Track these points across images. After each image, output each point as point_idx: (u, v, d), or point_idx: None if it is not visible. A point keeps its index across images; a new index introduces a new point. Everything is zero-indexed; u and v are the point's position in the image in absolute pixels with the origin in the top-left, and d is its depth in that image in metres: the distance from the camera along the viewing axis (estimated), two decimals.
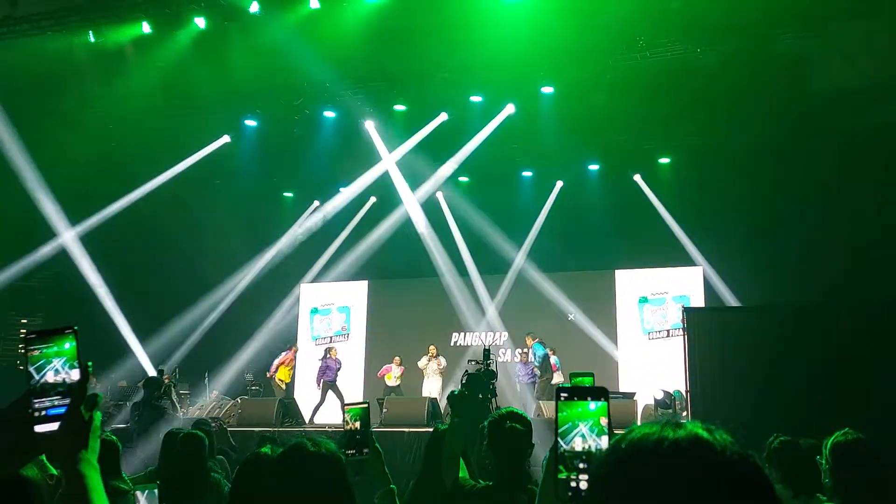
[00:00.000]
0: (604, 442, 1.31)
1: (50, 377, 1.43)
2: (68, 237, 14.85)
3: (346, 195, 17.21)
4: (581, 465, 1.30)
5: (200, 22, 12.35)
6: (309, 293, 18.31)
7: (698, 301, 15.13)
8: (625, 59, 12.43)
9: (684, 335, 11.06)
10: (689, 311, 11.65)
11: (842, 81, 12.15)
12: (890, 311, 10.41)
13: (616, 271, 16.26)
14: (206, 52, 12.68)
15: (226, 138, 15.64)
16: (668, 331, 15.50)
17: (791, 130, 13.52)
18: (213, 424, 8.56)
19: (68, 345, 1.44)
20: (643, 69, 12.47)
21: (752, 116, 13.34)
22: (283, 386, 15.14)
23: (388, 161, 15.92)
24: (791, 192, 13.74)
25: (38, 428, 1.40)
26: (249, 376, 15.64)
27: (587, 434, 1.32)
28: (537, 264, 16.27)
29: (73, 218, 14.79)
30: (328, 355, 14.69)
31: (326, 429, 11.38)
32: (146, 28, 12.49)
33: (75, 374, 1.43)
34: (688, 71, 12.35)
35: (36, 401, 1.42)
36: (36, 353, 1.44)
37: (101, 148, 14.11)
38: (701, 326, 11.00)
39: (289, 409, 13.05)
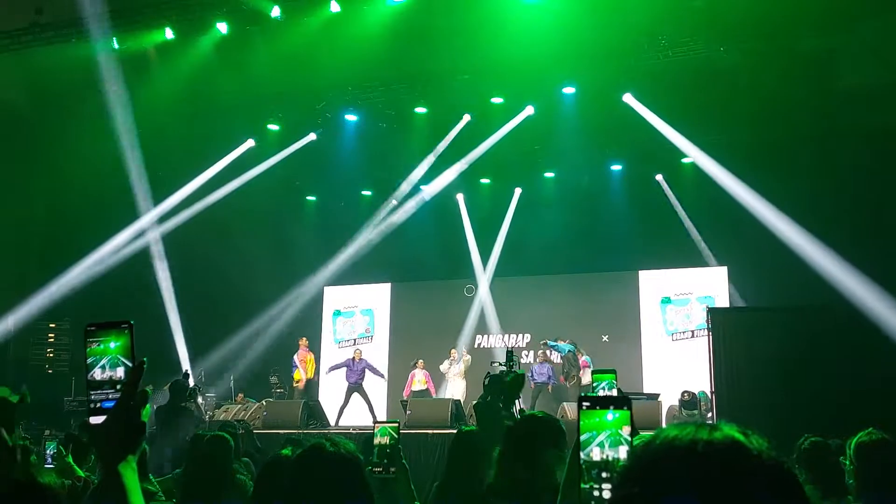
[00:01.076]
0: (621, 452, 1.31)
1: (99, 371, 1.46)
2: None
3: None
4: (603, 475, 1.30)
5: (223, 27, 12.44)
6: (332, 295, 18.37)
7: (723, 301, 15.01)
8: (647, 58, 12.36)
9: (709, 335, 10.99)
10: (713, 312, 11.57)
11: (868, 78, 11.98)
12: None
13: (640, 272, 16.19)
14: (229, 57, 12.77)
15: (250, 142, 15.76)
16: (692, 331, 15.40)
17: (816, 129, 13.37)
18: (239, 427, 8.61)
19: (122, 339, 1.47)
20: (666, 68, 12.40)
21: (776, 115, 13.19)
22: (301, 386, 15.01)
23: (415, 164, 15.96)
24: (817, 190, 13.56)
25: (93, 419, 1.44)
26: (274, 379, 15.69)
27: (606, 444, 1.32)
28: (561, 266, 16.22)
29: (98, 223, 14.95)
30: (353, 357, 14.83)
31: (350, 430, 11.40)
32: (169, 34, 12.61)
33: (121, 370, 1.46)
34: (711, 70, 12.25)
35: (92, 392, 1.46)
36: (94, 345, 1.47)
37: (125, 153, 14.23)
38: (726, 327, 10.92)
39: (314, 411, 13.10)
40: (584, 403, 1.35)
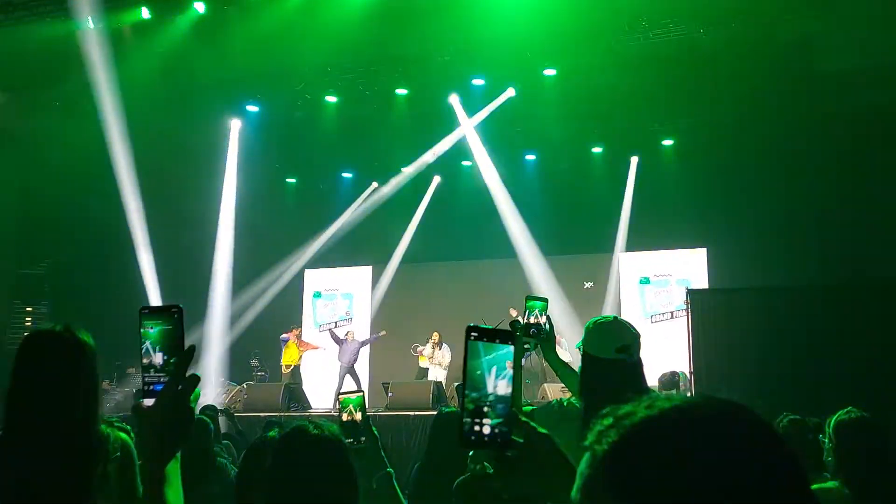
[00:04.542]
0: (507, 387, 1.26)
1: (149, 354, 1.50)
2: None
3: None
4: (485, 409, 1.25)
5: (200, 7, 12.28)
6: (312, 278, 18.30)
7: (702, 283, 15.12)
8: (628, 39, 12.34)
9: (688, 316, 11.07)
10: (693, 293, 11.63)
11: (848, 61, 12.04)
12: None
13: (620, 254, 16.26)
14: (207, 37, 12.59)
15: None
16: (671, 312, 15.50)
17: (796, 111, 13.44)
18: (220, 410, 8.59)
19: (171, 324, 1.49)
20: (646, 50, 12.38)
21: (756, 97, 13.24)
22: (288, 370, 14.99)
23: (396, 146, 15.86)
24: (797, 172, 13.66)
25: (146, 401, 1.47)
26: (255, 362, 15.64)
27: (494, 378, 1.26)
28: (540, 248, 16.24)
29: (75, 204, 14.78)
30: (346, 338, 14.85)
31: (333, 413, 11.39)
32: (145, 13, 12.42)
33: (169, 353, 1.49)
34: (692, 52, 12.25)
35: (145, 375, 1.49)
36: (146, 329, 1.50)
37: (101, 135, 14.05)
38: (705, 308, 11.00)
39: (294, 393, 13.09)
40: (473, 334, 1.27)
